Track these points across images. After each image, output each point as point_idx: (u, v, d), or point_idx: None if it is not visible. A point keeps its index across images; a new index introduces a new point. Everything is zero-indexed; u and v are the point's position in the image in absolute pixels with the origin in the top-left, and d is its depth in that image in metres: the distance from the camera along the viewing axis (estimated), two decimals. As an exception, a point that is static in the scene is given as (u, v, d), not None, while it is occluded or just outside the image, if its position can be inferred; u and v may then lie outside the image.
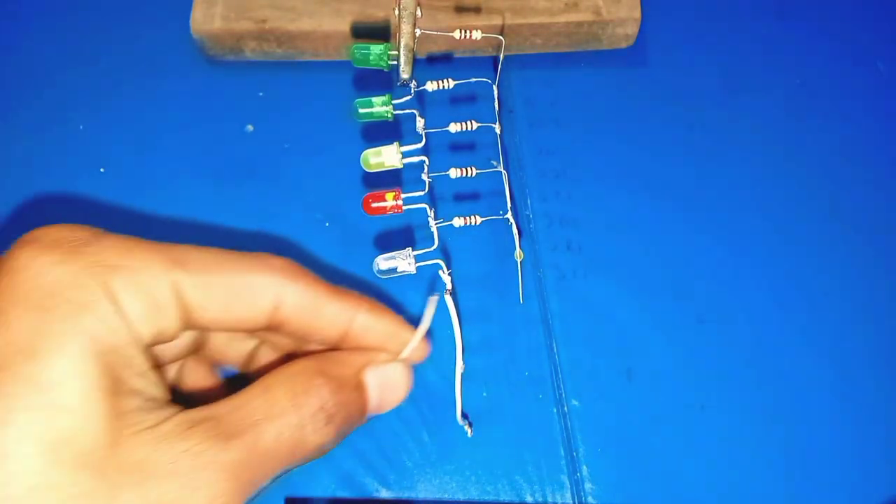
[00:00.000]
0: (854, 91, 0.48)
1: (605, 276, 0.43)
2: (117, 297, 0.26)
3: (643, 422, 0.39)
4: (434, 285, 0.33)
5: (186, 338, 0.33)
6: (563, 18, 0.47)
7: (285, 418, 0.28)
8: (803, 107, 0.47)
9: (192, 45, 0.47)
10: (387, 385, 0.31)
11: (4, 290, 0.25)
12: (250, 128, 0.47)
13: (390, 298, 0.42)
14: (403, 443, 0.39)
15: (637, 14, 0.47)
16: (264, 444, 0.27)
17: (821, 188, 0.45)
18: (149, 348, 0.28)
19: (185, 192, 0.45)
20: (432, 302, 0.32)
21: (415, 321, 0.32)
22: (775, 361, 0.41)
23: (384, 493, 0.38)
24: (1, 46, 0.50)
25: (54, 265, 0.25)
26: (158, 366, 0.32)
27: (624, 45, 0.48)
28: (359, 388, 0.30)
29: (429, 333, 0.33)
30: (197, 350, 0.34)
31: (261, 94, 0.48)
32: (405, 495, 0.38)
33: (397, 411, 0.39)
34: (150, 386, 0.26)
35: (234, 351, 0.35)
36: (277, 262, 0.30)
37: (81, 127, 0.47)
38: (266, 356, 0.35)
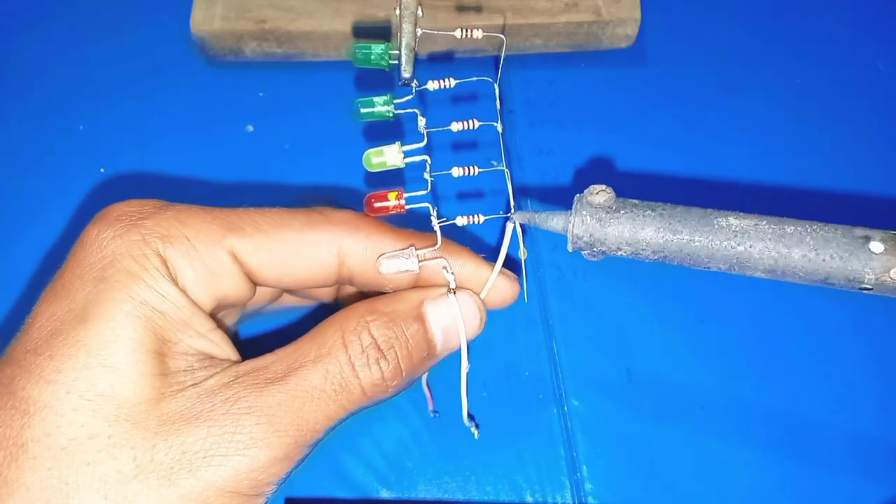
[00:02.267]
0: (854, 91, 0.48)
1: (605, 276, 0.43)
2: (171, 266, 0.27)
3: (643, 422, 0.39)
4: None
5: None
6: (563, 18, 0.47)
7: (333, 356, 0.28)
8: (803, 107, 0.47)
9: (192, 45, 0.47)
10: (454, 318, 0.31)
11: (72, 264, 0.27)
12: (250, 128, 0.47)
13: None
14: (403, 443, 0.39)
15: (637, 14, 0.47)
16: (309, 385, 0.27)
17: (821, 188, 0.45)
18: (215, 310, 0.29)
19: (185, 192, 0.44)
20: (509, 227, 0.32)
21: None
22: (775, 361, 0.41)
23: (384, 493, 0.38)
24: (1, 46, 0.50)
25: (113, 238, 0.27)
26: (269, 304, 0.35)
27: (624, 45, 0.48)
28: (418, 320, 0.30)
29: (512, 269, 0.32)
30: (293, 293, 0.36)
31: (261, 94, 0.48)
32: (405, 495, 0.38)
33: (397, 411, 0.39)
34: (210, 345, 0.28)
35: (321, 291, 0.36)
36: (338, 215, 0.30)
37: (81, 127, 0.47)
38: (355, 298, 0.35)
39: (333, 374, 0.27)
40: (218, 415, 0.26)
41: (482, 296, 0.32)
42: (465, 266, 0.32)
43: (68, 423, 0.24)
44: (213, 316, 0.29)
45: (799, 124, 0.47)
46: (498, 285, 0.32)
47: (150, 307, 0.26)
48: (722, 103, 0.48)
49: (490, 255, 0.33)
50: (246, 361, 0.28)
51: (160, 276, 0.27)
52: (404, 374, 0.29)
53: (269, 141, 0.46)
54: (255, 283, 0.30)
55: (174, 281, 0.27)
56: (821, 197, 0.45)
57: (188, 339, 0.27)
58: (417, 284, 0.32)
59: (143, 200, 0.29)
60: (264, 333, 0.39)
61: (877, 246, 0.27)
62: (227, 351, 0.28)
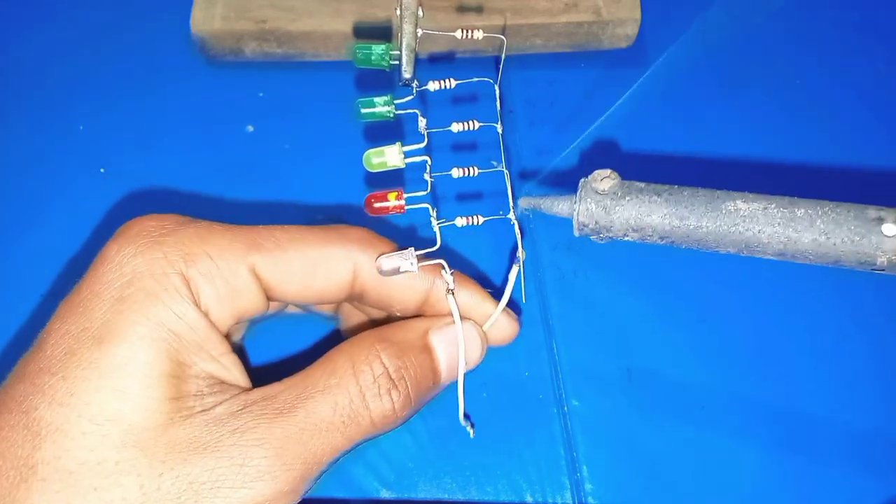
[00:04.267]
0: (854, 91, 0.48)
1: (605, 276, 0.43)
2: (193, 285, 0.27)
3: (643, 422, 0.39)
4: (513, 255, 0.33)
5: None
6: (563, 18, 0.47)
7: (343, 387, 0.27)
8: (803, 107, 0.47)
9: (192, 45, 0.47)
10: (457, 345, 0.31)
11: (90, 280, 0.27)
12: (250, 128, 0.47)
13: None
14: (403, 443, 0.39)
15: (637, 14, 0.47)
16: (318, 417, 0.27)
17: (821, 188, 0.45)
18: (231, 330, 0.29)
19: (185, 193, 0.45)
20: (514, 271, 0.32)
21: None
22: (776, 361, 0.41)
23: (384, 493, 0.38)
24: (1, 46, 0.50)
25: (134, 256, 0.27)
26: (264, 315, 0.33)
27: (624, 45, 0.48)
28: (425, 350, 0.30)
29: (514, 309, 0.33)
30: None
31: (261, 94, 0.48)
32: (405, 495, 0.38)
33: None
34: (221, 370, 0.28)
35: (327, 305, 0.36)
36: (353, 232, 0.31)
37: (81, 127, 0.47)
38: (357, 316, 0.35)
39: (343, 407, 0.27)
40: (226, 445, 0.25)
41: (485, 328, 0.33)
42: (471, 297, 0.32)
43: (77, 447, 0.24)
44: (227, 336, 0.29)
45: (799, 124, 0.47)
46: (500, 322, 0.33)
47: (167, 329, 0.26)
48: (722, 103, 0.48)
49: (487, 260, 0.33)
50: (255, 389, 0.28)
51: (179, 296, 0.27)
52: (413, 404, 0.29)
53: (269, 141, 0.46)
54: (270, 299, 0.30)
55: (195, 301, 0.27)
56: (821, 197, 0.45)
57: (202, 363, 0.27)
58: (423, 310, 0.32)
59: (164, 216, 0.29)
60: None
61: (889, 228, 0.26)
62: (238, 376, 0.28)
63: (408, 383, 0.29)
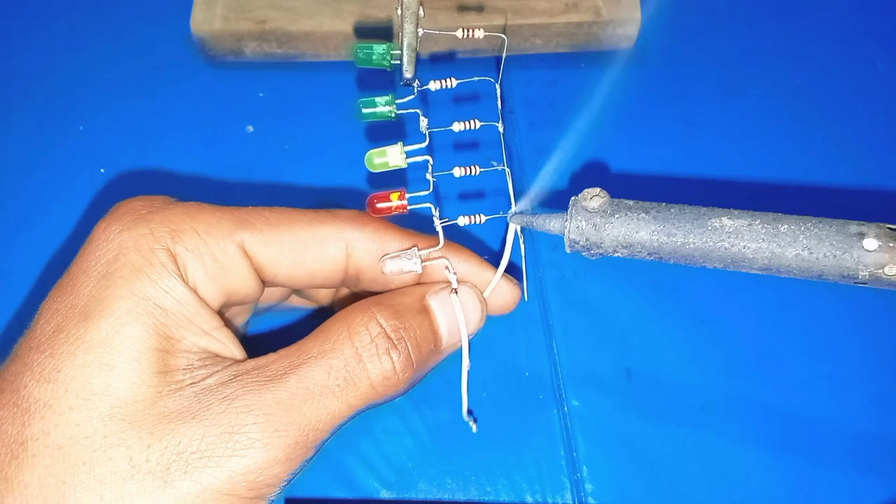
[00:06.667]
0: (854, 91, 0.48)
1: (605, 276, 0.43)
2: (180, 260, 0.27)
3: (643, 422, 0.39)
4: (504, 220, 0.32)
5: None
6: (563, 19, 0.47)
7: (338, 350, 0.27)
8: (803, 107, 0.48)
9: (192, 45, 0.47)
10: (457, 312, 0.31)
11: (79, 259, 0.27)
12: (250, 128, 0.47)
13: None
14: (403, 443, 0.39)
15: (637, 14, 0.47)
16: (311, 382, 0.26)
17: (820, 189, 0.45)
18: (224, 306, 0.29)
19: (185, 193, 0.44)
20: (511, 229, 0.32)
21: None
22: (775, 362, 0.41)
23: (384, 493, 0.38)
24: (1, 46, 0.49)
25: (121, 232, 0.27)
26: (265, 308, 0.35)
27: (624, 45, 0.48)
28: (423, 311, 0.30)
29: (514, 274, 0.33)
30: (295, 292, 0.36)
31: (261, 94, 0.48)
32: (405, 495, 0.38)
33: (397, 411, 0.39)
34: (214, 343, 0.27)
35: (324, 293, 0.36)
36: (344, 213, 0.31)
37: (81, 127, 0.47)
38: (351, 299, 0.35)
39: (337, 370, 0.27)
40: (215, 413, 0.25)
41: (485, 295, 0.32)
42: (468, 265, 0.32)
43: (65, 423, 0.24)
44: (221, 314, 0.29)
45: (799, 124, 0.47)
46: (500, 287, 0.32)
47: (153, 303, 0.26)
48: (722, 103, 0.48)
49: (490, 257, 0.33)
50: (248, 360, 0.27)
51: (165, 271, 0.26)
52: (415, 367, 0.29)
53: (269, 141, 0.46)
54: (263, 281, 0.30)
55: (182, 276, 0.27)
56: (821, 196, 0.45)
57: (192, 337, 0.27)
58: (420, 281, 0.32)
59: (153, 196, 0.29)
60: (273, 332, 0.39)
61: (870, 243, 0.27)
62: (233, 350, 0.28)
63: (408, 343, 0.28)
